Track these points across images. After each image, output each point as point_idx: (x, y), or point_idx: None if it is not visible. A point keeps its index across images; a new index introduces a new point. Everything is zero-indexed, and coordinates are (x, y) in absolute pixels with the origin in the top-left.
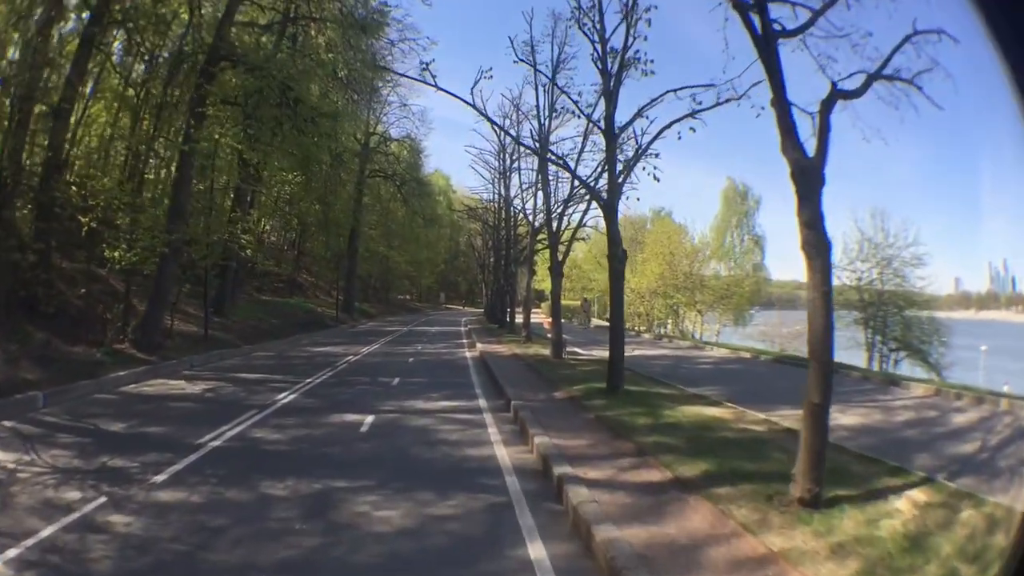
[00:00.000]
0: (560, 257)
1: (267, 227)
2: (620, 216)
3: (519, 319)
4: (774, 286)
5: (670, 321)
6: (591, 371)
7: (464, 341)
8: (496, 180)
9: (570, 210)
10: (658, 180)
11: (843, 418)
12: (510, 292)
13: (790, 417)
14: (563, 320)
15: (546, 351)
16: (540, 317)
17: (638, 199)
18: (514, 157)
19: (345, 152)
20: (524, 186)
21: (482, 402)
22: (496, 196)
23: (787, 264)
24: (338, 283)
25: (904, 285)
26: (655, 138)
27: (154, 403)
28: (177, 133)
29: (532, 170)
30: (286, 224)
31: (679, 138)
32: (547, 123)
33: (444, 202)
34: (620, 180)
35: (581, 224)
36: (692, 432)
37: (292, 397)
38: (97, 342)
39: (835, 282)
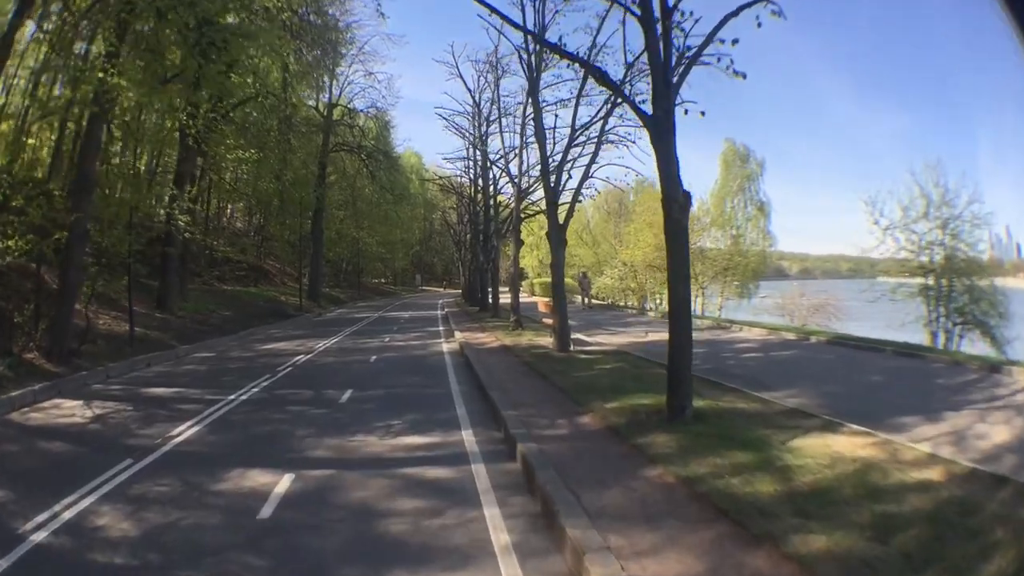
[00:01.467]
0: (562, 220)
1: (227, 211)
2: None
3: (502, 300)
4: (783, 258)
5: (660, 297)
6: (615, 370)
7: (440, 329)
8: (471, 147)
9: (571, 162)
10: (743, 77)
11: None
12: (491, 270)
13: (944, 442)
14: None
15: (543, 341)
16: (525, 297)
17: (702, 114)
18: (491, 119)
19: (298, 115)
20: (506, 149)
21: (467, 437)
22: (472, 163)
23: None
24: (300, 268)
25: (963, 249)
26: (733, 15)
27: (22, 441)
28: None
29: (515, 132)
30: (249, 208)
31: (758, 25)
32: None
33: (416, 181)
34: (675, 79)
35: (589, 173)
36: (869, 509)
37: (193, 431)
38: (4, 351)
39: (890, 245)
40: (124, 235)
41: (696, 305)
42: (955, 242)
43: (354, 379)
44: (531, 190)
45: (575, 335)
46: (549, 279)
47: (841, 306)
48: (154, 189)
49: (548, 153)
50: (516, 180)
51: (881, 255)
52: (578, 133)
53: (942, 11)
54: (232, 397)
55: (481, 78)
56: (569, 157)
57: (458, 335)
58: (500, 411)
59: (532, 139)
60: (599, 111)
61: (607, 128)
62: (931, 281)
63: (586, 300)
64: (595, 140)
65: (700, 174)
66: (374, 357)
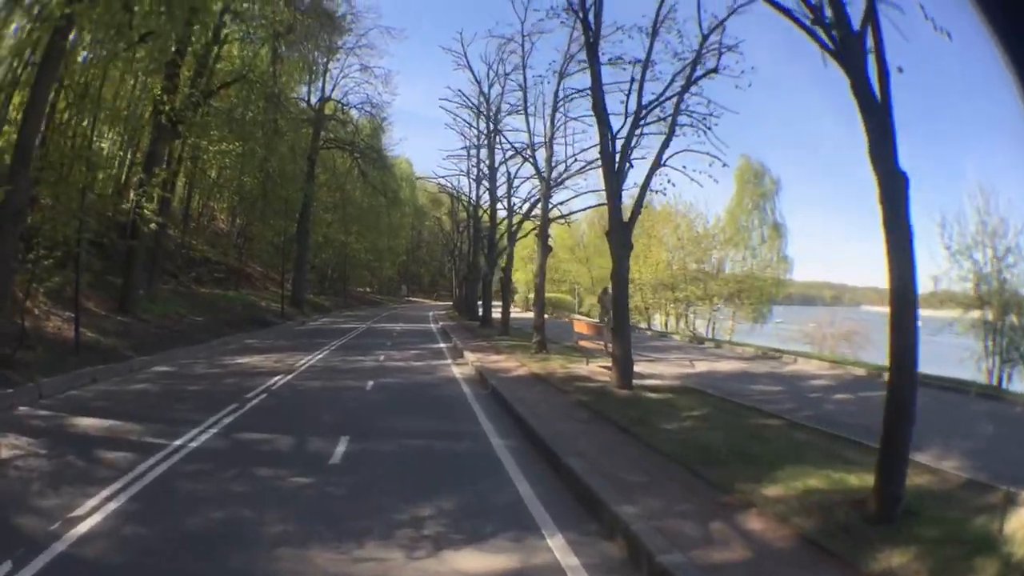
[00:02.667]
0: (626, 217)
1: (211, 211)
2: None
3: (496, 314)
4: (794, 286)
5: (659, 317)
6: (710, 419)
7: (443, 346)
8: (475, 147)
9: (635, 146)
10: None
11: None
12: (499, 282)
13: None
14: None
15: (580, 368)
16: (517, 312)
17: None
18: (501, 113)
19: (286, 98)
20: (533, 138)
21: (560, 553)
22: (476, 163)
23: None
24: (283, 272)
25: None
26: None
27: None
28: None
29: (539, 116)
30: (232, 208)
31: None
32: None
33: (407, 188)
34: None
35: (660, 160)
36: None
37: (107, 512)
38: None
39: (941, 271)
40: (69, 220)
41: (708, 328)
42: (1008, 273)
43: (349, 418)
44: (561, 182)
45: (604, 361)
46: (547, 294)
47: (869, 336)
48: (113, 170)
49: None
50: (543, 173)
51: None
52: (649, 109)
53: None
54: (179, 443)
55: (491, 70)
56: (632, 143)
57: (469, 356)
58: (608, 503)
59: (564, 125)
60: (669, 84)
61: (683, 106)
62: (989, 315)
63: (607, 320)
64: (668, 118)
65: (709, 190)
66: (371, 383)
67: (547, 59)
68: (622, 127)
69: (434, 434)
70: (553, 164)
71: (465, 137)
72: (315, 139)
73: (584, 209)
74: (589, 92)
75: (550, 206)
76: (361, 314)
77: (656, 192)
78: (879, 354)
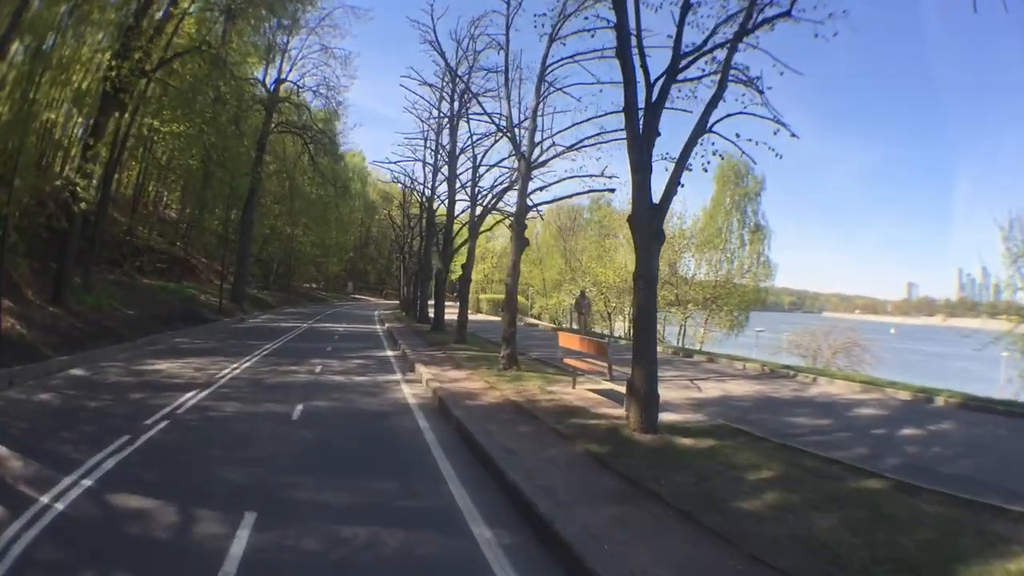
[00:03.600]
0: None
1: (162, 199)
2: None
3: (449, 316)
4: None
5: (620, 324)
6: (804, 487)
7: (389, 354)
8: (432, 131)
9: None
10: None
11: None
12: (447, 281)
13: None
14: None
15: (567, 394)
16: (472, 315)
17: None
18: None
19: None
20: (520, 111)
21: None
22: (434, 149)
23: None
24: (224, 264)
25: None
26: None
27: None
28: None
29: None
30: (183, 197)
31: None
32: None
33: (359, 183)
34: None
35: (707, 125)
36: None
37: None
38: None
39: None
40: None
41: (677, 337)
42: None
43: (260, 477)
44: (544, 163)
45: (592, 383)
46: (498, 295)
47: (869, 348)
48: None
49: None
50: (523, 150)
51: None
52: (692, 59)
53: (920, 56)
54: (29, 515)
55: (460, 47)
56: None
57: (422, 370)
58: None
59: (550, 96)
60: (714, 32)
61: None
62: None
63: (583, 326)
64: (715, 72)
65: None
66: (299, 408)
67: (531, 26)
68: (654, 83)
69: (384, 516)
70: (537, 141)
71: (423, 122)
72: (267, 122)
73: (562, 198)
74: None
75: (528, 191)
76: (304, 311)
77: (691, 169)
78: (889, 370)
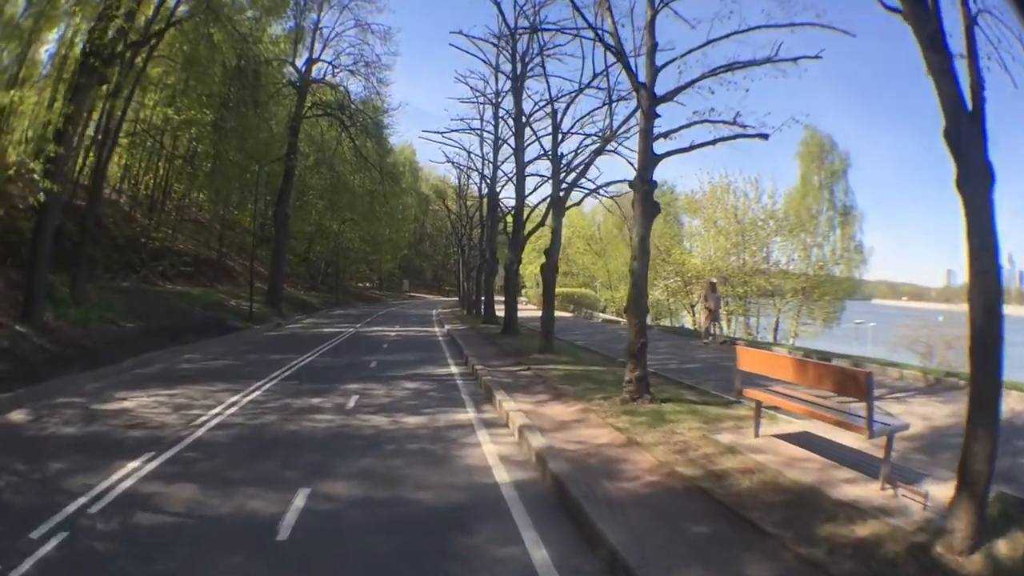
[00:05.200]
0: None
1: (194, 198)
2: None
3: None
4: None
5: (687, 316)
6: None
7: (455, 372)
8: (492, 101)
9: None
10: None
11: None
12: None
13: None
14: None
15: (755, 451)
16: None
17: None
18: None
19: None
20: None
21: None
22: (494, 122)
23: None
24: (252, 263)
25: None
26: None
27: None
28: None
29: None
30: (214, 195)
31: None
32: None
33: (410, 177)
34: None
35: None
36: None
37: None
38: None
39: None
40: None
41: (770, 332)
42: None
43: None
44: (674, 93)
45: (768, 421)
46: (563, 288)
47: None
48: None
49: None
50: (644, 81)
51: None
52: None
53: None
54: None
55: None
56: None
57: (506, 403)
58: None
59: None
60: None
61: None
62: None
63: (715, 330)
64: None
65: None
66: (297, 505)
67: None
68: None
69: None
70: (659, 65)
71: (479, 94)
72: (299, 106)
73: (699, 146)
74: None
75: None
76: (353, 313)
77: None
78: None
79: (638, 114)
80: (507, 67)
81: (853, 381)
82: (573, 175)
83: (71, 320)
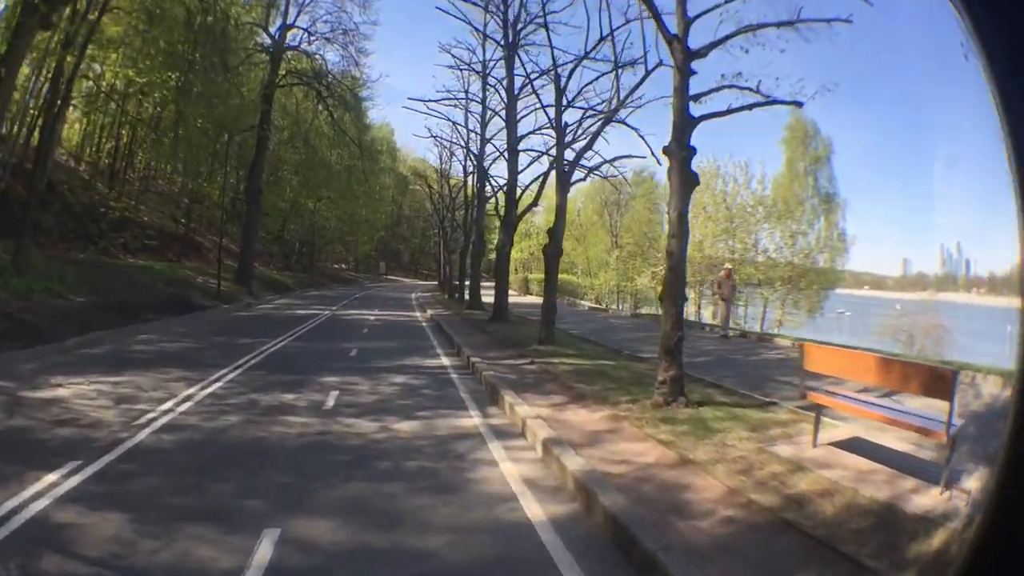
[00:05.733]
0: None
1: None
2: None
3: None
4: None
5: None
6: None
7: (446, 363)
8: (479, 73)
9: None
10: None
11: None
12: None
13: None
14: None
15: (820, 465)
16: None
17: None
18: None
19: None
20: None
21: None
22: (480, 95)
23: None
24: (220, 236)
25: None
26: None
27: None
28: None
29: None
30: (183, 166)
31: None
32: None
33: (388, 158)
34: None
35: None
36: None
37: None
38: None
39: None
40: None
41: (759, 321)
42: None
43: None
44: (709, 47)
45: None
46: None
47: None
48: None
49: None
50: (674, 32)
51: None
52: None
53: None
54: None
55: None
56: None
57: (517, 406)
58: None
59: None
60: None
61: None
62: None
63: (725, 315)
64: None
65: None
66: (259, 560)
67: None
68: None
69: None
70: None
71: (466, 66)
72: (272, 73)
73: (736, 111)
74: None
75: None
76: (329, 295)
77: None
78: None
79: (671, 73)
80: (498, 35)
81: (941, 380)
82: (577, 148)
83: (11, 291)
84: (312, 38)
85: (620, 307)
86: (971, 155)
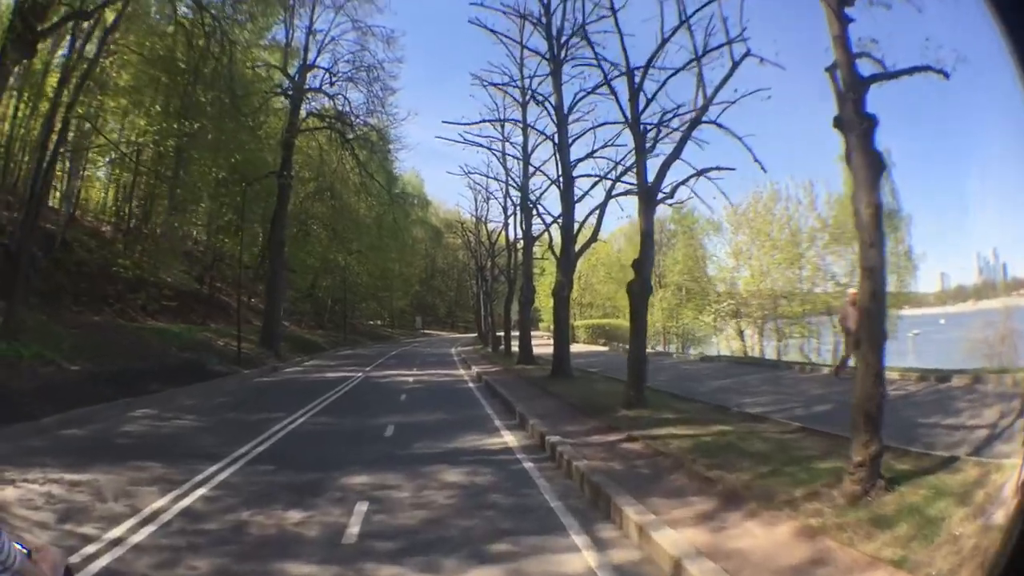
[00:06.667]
0: None
1: (189, 232)
2: None
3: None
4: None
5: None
6: None
7: (511, 443)
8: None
9: None
10: None
11: None
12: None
13: None
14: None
15: None
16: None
17: None
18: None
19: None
20: None
21: None
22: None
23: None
24: (239, 295)
25: None
26: None
27: None
28: None
29: None
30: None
31: None
32: None
33: (419, 210)
34: None
35: None
36: None
37: None
38: None
39: None
40: None
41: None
42: None
43: None
44: None
45: None
46: (594, 320)
47: None
48: None
49: None
50: None
51: None
52: None
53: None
54: None
55: None
56: None
57: (665, 541)
58: None
59: None
60: None
61: None
62: None
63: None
64: None
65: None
66: None
67: None
68: None
69: None
70: None
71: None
72: (293, 116)
73: None
74: None
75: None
76: (363, 354)
77: None
78: None
79: (826, 30)
80: (540, 47)
81: None
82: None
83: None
84: (334, 78)
85: (668, 348)
86: (1002, 159)
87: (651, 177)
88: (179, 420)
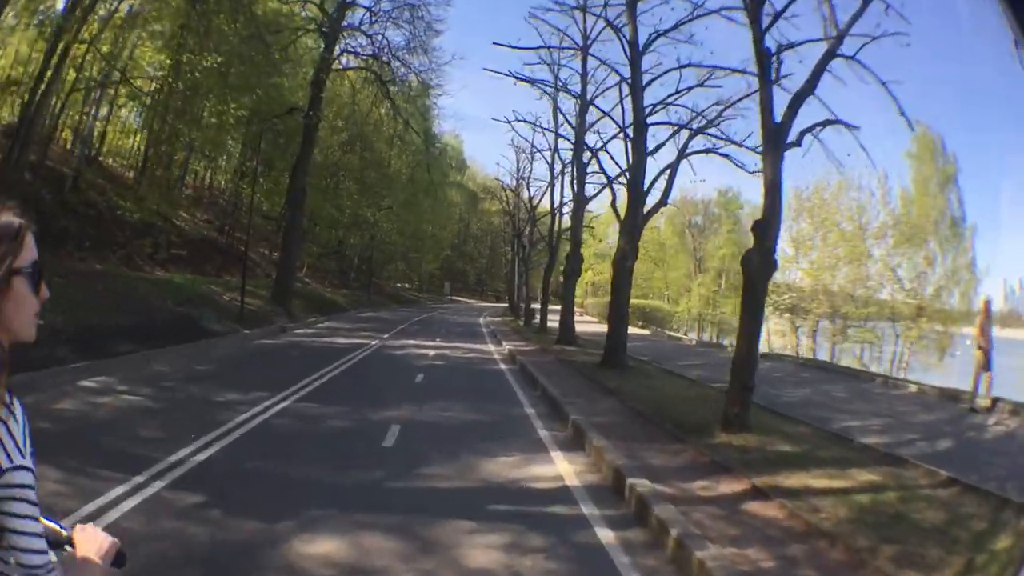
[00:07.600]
0: None
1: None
2: None
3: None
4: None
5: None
6: None
7: (565, 473)
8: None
9: None
10: None
11: None
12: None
13: None
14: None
15: None
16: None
17: None
18: None
19: None
20: None
21: None
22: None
23: None
24: (245, 246)
25: None
26: None
27: None
28: None
29: None
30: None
31: None
32: None
33: (456, 173)
34: None
35: None
36: None
37: None
38: None
39: None
40: None
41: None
42: None
43: None
44: None
45: None
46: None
47: None
48: None
49: None
50: None
51: None
52: None
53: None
54: None
55: None
56: None
57: None
58: None
59: None
60: None
61: None
62: None
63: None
64: None
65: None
66: None
67: None
68: None
69: None
70: None
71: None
72: (326, 54)
73: None
74: None
75: None
76: (385, 317)
77: None
78: None
79: None
80: None
81: None
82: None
83: None
84: (374, 17)
85: (716, 338)
86: None
87: (779, 116)
88: (132, 396)
